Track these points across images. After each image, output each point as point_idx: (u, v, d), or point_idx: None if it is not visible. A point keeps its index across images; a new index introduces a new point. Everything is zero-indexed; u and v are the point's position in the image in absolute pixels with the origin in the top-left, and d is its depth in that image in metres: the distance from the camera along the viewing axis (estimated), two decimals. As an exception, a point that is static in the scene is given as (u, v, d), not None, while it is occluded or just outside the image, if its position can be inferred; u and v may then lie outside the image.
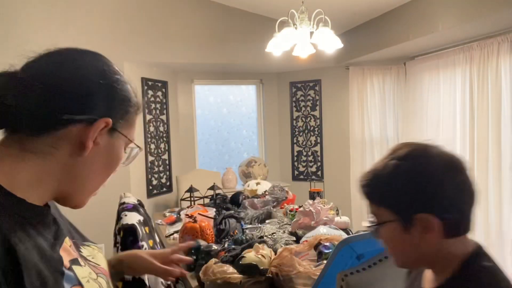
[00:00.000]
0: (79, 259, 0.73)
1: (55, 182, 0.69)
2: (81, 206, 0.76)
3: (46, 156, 0.67)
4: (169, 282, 1.92)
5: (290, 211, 2.70)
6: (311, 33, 2.80)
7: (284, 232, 2.36)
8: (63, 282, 0.64)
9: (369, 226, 0.90)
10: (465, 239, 0.91)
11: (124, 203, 2.06)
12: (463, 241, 0.90)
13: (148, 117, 4.21)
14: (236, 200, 3.13)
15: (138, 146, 0.80)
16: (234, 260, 1.82)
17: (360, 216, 4.72)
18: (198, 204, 3.28)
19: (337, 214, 2.66)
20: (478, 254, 0.88)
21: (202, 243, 2.10)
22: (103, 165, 0.75)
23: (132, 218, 1.86)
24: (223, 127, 5.16)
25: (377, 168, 0.87)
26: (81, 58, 0.74)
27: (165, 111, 4.47)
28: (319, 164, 5.01)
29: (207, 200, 3.64)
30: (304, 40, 2.80)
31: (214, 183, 3.75)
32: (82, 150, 0.68)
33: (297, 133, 5.16)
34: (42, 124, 0.66)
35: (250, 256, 1.77)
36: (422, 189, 0.83)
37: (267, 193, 3.10)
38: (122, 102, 0.75)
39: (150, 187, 4.24)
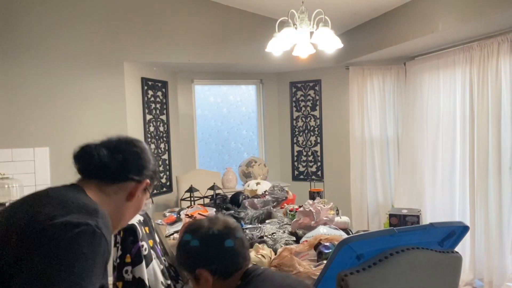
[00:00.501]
0: None
1: (109, 211, 1.04)
2: (114, 232, 1.16)
3: (111, 197, 1.08)
4: (169, 282, 1.92)
5: (290, 211, 2.70)
6: (311, 33, 2.79)
7: (284, 232, 2.36)
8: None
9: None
10: (238, 274, 1.25)
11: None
12: (236, 277, 1.24)
13: (148, 117, 4.21)
14: (236, 200, 3.13)
15: (152, 201, 1.39)
16: (234, 260, 1.81)
17: (360, 216, 4.72)
18: (198, 204, 3.28)
19: (337, 214, 2.66)
20: (250, 269, 1.25)
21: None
22: (134, 208, 1.15)
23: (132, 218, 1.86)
24: (223, 127, 5.16)
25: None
26: (139, 144, 1.18)
27: (165, 111, 4.47)
28: (319, 164, 5.01)
29: (207, 200, 3.64)
30: (304, 40, 2.80)
31: (214, 183, 3.75)
32: (131, 197, 1.11)
33: (297, 133, 5.16)
34: (115, 178, 1.09)
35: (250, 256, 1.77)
36: (196, 256, 1.25)
37: (267, 193, 3.10)
38: (154, 173, 1.18)
39: (150, 187, 4.24)
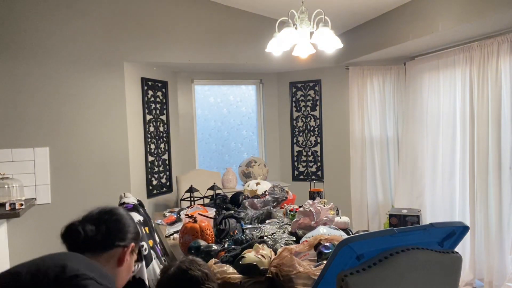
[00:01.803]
0: None
1: None
2: None
3: (105, 267, 1.14)
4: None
5: (290, 211, 2.70)
6: (311, 33, 2.79)
7: (284, 232, 2.36)
8: None
9: None
10: None
11: (124, 203, 2.07)
12: None
13: (148, 117, 4.21)
14: (236, 200, 3.13)
15: (141, 262, 1.43)
16: (234, 260, 1.82)
17: (360, 216, 4.72)
18: (198, 204, 3.28)
19: (337, 214, 2.66)
20: None
21: (202, 243, 2.10)
22: (125, 271, 1.25)
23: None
24: (223, 127, 5.17)
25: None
26: (118, 212, 1.29)
27: (165, 111, 4.47)
28: (319, 164, 5.01)
29: (207, 200, 3.64)
30: (304, 40, 2.80)
31: (214, 183, 3.75)
32: (121, 262, 1.22)
33: (297, 133, 5.16)
34: (103, 247, 1.19)
35: (250, 256, 1.77)
36: None
37: (267, 193, 3.10)
38: (137, 236, 1.30)
39: (150, 187, 4.25)
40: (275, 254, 1.84)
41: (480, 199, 3.44)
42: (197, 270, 1.42)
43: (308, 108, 5.04)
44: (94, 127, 3.73)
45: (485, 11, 2.86)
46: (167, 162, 4.52)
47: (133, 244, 1.25)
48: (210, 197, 3.60)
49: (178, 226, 2.70)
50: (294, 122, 5.16)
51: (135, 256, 1.28)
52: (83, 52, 3.72)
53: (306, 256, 1.92)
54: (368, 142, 4.67)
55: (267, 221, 2.66)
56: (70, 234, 1.18)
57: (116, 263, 1.20)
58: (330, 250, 1.81)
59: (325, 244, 1.88)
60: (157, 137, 4.35)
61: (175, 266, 1.45)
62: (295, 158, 5.18)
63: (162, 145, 4.44)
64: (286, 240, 2.16)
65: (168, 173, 4.53)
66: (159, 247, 2.08)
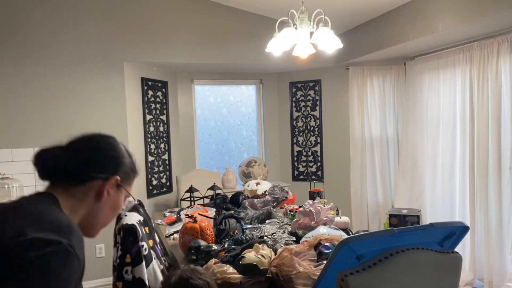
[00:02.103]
0: None
1: (81, 216, 1.04)
2: (92, 237, 1.10)
3: (80, 199, 1.03)
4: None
5: (290, 211, 2.70)
6: (311, 33, 2.79)
7: (284, 232, 2.36)
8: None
9: None
10: None
11: (124, 203, 2.06)
12: None
13: (148, 117, 4.21)
14: (236, 200, 3.13)
15: (134, 199, 1.19)
16: (234, 260, 1.82)
17: (360, 216, 4.72)
18: (198, 204, 3.28)
19: (337, 214, 2.66)
20: None
21: (202, 243, 2.10)
22: (110, 208, 1.09)
23: (132, 218, 1.86)
24: (223, 127, 5.17)
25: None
26: (104, 140, 1.13)
27: (165, 111, 4.47)
28: (319, 164, 5.01)
29: (207, 200, 3.64)
30: (304, 40, 2.80)
31: (214, 183, 3.75)
32: (99, 197, 1.05)
33: (297, 133, 5.16)
34: (78, 178, 1.03)
35: (250, 256, 1.77)
36: None
37: (267, 193, 3.10)
38: (127, 168, 1.13)
39: (150, 187, 4.24)
40: (275, 254, 1.84)
41: (480, 199, 3.44)
42: (199, 279, 1.42)
43: (308, 108, 5.04)
44: (94, 127, 3.73)
45: (485, 11, 2.86)
46: (167, 162, 4.52)
47: (117, 177, 1.06)
48: (210, 197, 3.60)
49: (178, 226, 2.70)
50: (294, 122, 5.16)
51: (123, 192, 1.11)
52: (83, 52, 3.72)
53: (306, 256, 1.92)
54: (368, 142, 4.67)
55: (267, 221, 2.66)
56: (38, 161, 1.03)
57: (94, 197, 1.04)
58: (330, 250, 1.81)
59: (325, 244, 1.88)
60: (157, 137, 4.35)
61: (177, 275, 1.45)
62: (295, 158, 5.18)
63: (162, 145, 4.44)
64: (286, 240, 2.16)
65: (168, 173, 4.53)
66: (159, 247, 2.08)
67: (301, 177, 5.13)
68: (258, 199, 2.98)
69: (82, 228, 1.01)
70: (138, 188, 4.00)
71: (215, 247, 2.03)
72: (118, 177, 1.07)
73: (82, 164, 1.04)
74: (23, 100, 3.56)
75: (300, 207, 2.58)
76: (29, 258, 0.80)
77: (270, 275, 1.71)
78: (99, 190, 1.04)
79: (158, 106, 4.37)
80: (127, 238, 1.76)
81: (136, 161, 1.20)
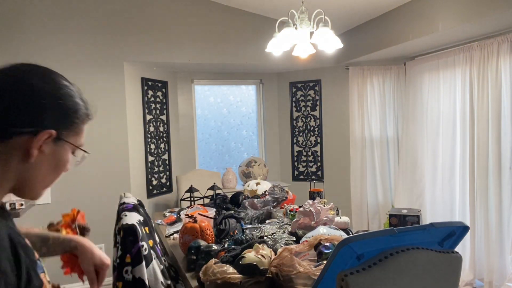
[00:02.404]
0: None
1: (12, 182, 0.82)
2: (36, 199, 0.90)
3: (6, 160, 0.80)
4: (169, 282, 1.92)
5: (290, 211, 2.70)
6: (311, 33, 2.79)
7: (284, 232, 2.36)
8: (37, 270, 0.80)
9: None
10: None
11: (124, 203, 2.07)
12: None
13: (148, 117, 4.21)
14: (236, 200, 3.13)
15: (84, 151, 0.94)
16: (234, 260, 1.82)
17: (360, 216, 4.72)
18: (198, 204, 3.28)
19: (337, 214, 2.66)
20: None
21: (202, 243, 2.10)
22: (50, 167, 0.86)
23: (132, 218, 1.86)
24: (223, 127, 5.17)
25: None
26: (29, 77, 0.87)
27: (165, 111, 4.47)
28: (319, 164, 5.01)
29: (207, 200, 3.64)
30: (304, 40, 2.80)
31: (214, 183, 3.75)
32: (28, 157, 0.81)
33: (297, 133, 5.16)
34: None
35: (250, 256, 1.77)
36: None
37: (267, 193, 3.10)
38: (68, 114, 0.87)
39: (150, 187, 4.24)
40: (275, 254, 1.84)
41: (480, 199, 3.44)
42: None
43: (308, 108, 5.04)
44: (94, 127, 3.72)
45: (485, 11, 2.86)
46: (167, 162, 4.52)
47: (51, 131, 0.81)
48: (210, 197, 3.60)
49: (178, 226, 2.70)
50: (294, 122, 5.16)
51: (67, 146, 0.88)
52: (83, 52, 3.72)
53: (306, 256, 1.91)
54: (368, 142, 4.67)
55: (267, 221, 2.66)
56: None
57: (21, 156, 0.80)
58: (330, 250, 1.81)
59: (325, 244, 1.88)
60: (157, 137, 4.35)
61: None
62: (295, 158, 5.18)
63: (162, 145, 4.44)
64: (286, 240, 2.16)
65: (168, 173, 4.53)
66: (159, 247, 2.08)
67: (301, 177, 5.13)
68: (258, 199, 2.98)
69: (18, 191, 0.84)
70: (138, 188, 4.00)
71: (215, 247, 2.03)
72: (53, 131, 0.82)
73: (1, 114, 0.79)
74: (23, 100, 3.56)
75: (300, 207, 2.58)
76: None
77: (270, 275, 1.71)
78: (25, 149, 0.80)
79: (158, 106, 4.37)
80: (127, 238, 1.76)
81: (87, 101, 0.95)
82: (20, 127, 0.79)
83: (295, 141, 5.18)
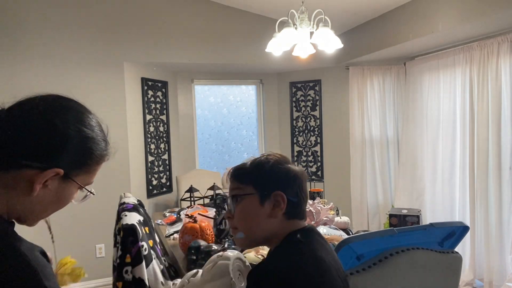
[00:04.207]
0: None
1: (17, 211, 0.83)
2: (32, 226, 0.90)
3: (9, 189, 0.80)
4: (169, 282, 1.92)
5: (290, 211, 2.70)
6: (311, 33, 2.79)
7: (284, 232, 2.36)
8: None
9: (233, 196, 1.15)
10: (301, 222, 1.14)
11: (124, 203, 2.06)
12: (298, 223, 1.13)
13: (148, 117, 4.21)
14: (236, 200, 3.12)
15: (91, 193, 0.92)
16: (234, 260, 1.81)
17: (360, 216, 4.72)
18: (198, 204, 3.28)
19: (337, 214, 2.66)
20: (300, 230, 1.11)
21: (202, 243, 2.10)
22: (52, 202, 0.86)
23: (132, 218, 1.86)
24: (223, 127, 5.17)
25: (248, 160, 1.23)
26: (54, 116, 0.82)
27: (165, 111, 4.47)
28: (319, 164, 5.01)
29: (207, 200, 3.64)
30: (304, 40, 2.80)
31: (214, 183, 3.75)
32: (31, 190, 0.80)
33: (297, 133, 5.16)
34: (4, 164, 0.79)
35: (250, 256, 1.77)
36: (278, 175, 1.13)
37: (267, 193, 3.09)
38: (82, 155, 0.86)
39: (150, 187, 4.24)
40: (275, 254, 1.84)
41: (480, 199, 3.44)
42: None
43: (308, 108, 5.04)
44: (94, 127, 3.72)
45: (485, 11, 2.86)
46: (167, 162, 4.52)
47: (58, 170, 0.80)
48: (210, 197, 3.60)
49: (178, 226, 2.69)
50: (294, 122, 5.16)
51: (74, 185, 0.86)
52: (83, 52, 3.72)
53: (306, 256, 1.91)
54: (368, 142, 4.67)
55: (267, 221, 2.66)
56: None
57: (26, 188, 0.80)
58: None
59: (325, 244, 1.88)
60: (157, 137, 4.35)
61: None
62: (295, 158, 5.18)
63: (162, 145, 4.44)
64: (286, 240, 2.15)
65: (168, 173, 4.53)
66: (159, 247, 2.08)
67: (301, 177, 5.12)
68: (258, 199, 2.98)
69: (18, 220, 0.85)
70: (138, 188, 4.00)
71: (215, 247, 2.03)
72: (60, 170, 0.81)
73: (10, 144, 0.78)
74: (23, 100, 3.56)
75: (300, 207, 2.57)
76: None
77: (270, 275, 1.71)
78: (30, 182, 0.79)
79: (158, 106, 4.37)
80: (127, 238, 1.76)
81: (109, 141, 0.96)
82: (32, 161, 0.79)
83: (295, 141, 5.18)
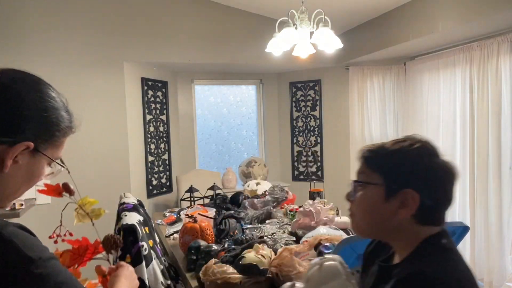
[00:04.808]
0: None
1: None
2: (4, 208, 0.88)
3: None
4: (169, 282, 1.92)
5: (290, 211, 2.70)
6: (311, 33, 2.79)
7: (284, 232, 2.36)
8: None
9: (355, 181, 0.99)
10: (435, 228, 0.95)
11: (124, 203, 2.07)
12: (432, 228, 0.95)
13: (148, 117, 4.21)
14: (236, 200, 3.13)
15: (61, 165, 0.92)
16: (234, 260, 1.82)
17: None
18: (198, 204, 3.28)
19: (337, 214, 2.65)
20: (440, 234, 0.94)
21: (202, 243, 2.10)
22: (23, 178, 0.84)
23: (132, 218, 1.86)
24: (223, 127, 5.17)
25: (386, 142, 0.98)
26: (16, 85, 0.81)
27: (165, 111, 4.47)
28: (319, 164, 5.01)
29: (207, 200, 3.64)
30: (304, 40, 2.80)
31: (214, 183, 3.75)
32: (1, 167, 0.79)
33: (297, 133, 5.16)
34: None
35: (250, 256, 1.77)
36: (417, 170, 0.92)
37: (267, 193, 3.10)
38: (50, 127, 0.85)
39: (150, 187, 4.24)
40: (275, 254, 1.84)
41: (480, 199, 3.44)
42: None
43: (308, 108, 5.04)
44: (94, 127, 3.73)
45: (485, 11, 2.86)
46: (167, 162, 4.52)
47: (28, 143, 0.80)
48: (210, 197, 3.59)
49: (178, 226, 2.69)
50: (294, 122, 5.16)
51: (44, 159, 0.86)
52: (83, 52, 3.72)
53: (306, 256, 1.91)
54: (368, 142, 4.66)
55: (267, 221, 2.66)
56: None
57: None
58: (330, 250, 1.81)
59: (325, 244, 1.88)
60: (157, 137, 4.35)
61: None
62: (295, 158, 5.18)
63: (162, 145, 4.44)
64: (286, 240, 2.15)
65: (168, 173, 4.53)
66: (159, 247, 2.08)
67: (301, 177, 5.13)
68: (258, 199, 2.98)
69: None
70: (138, 188, 4.00)
71: (215, 247, 2.03)
72: (30, 143, 0.80)
73: None
74: (23, 100, 3.56)
75: (300, 207, 2.58)
76: None
77: (270, 275, 1.71)
78: (1, 158, 0.79)
79: (158, 106, 4.37)
80: (127, 238, 1.76)
81: (72, 113, 0.92)
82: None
83: (295, 141, 5.18)
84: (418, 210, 0.90)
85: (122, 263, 1.17)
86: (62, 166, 0.91)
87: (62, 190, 1.14)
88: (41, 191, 1.12)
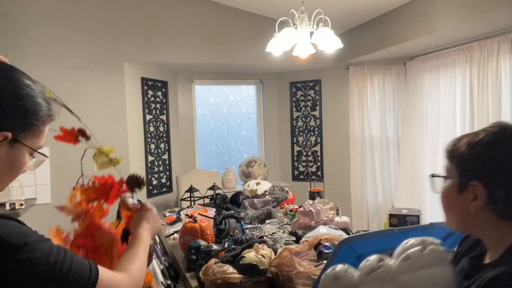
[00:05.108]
0: None
1: None
2: None
3: None
4: (169, 282, 1.92)
5: (290, 211, 2.70)
6: (311, 33, 2.79)
7: (284, 232, 2.36)
8: None
9: (432, 175, 0.98)
10: None
11: (124, 203, 2.06)
12: None
13: (148, 117, 4.21)
14: (236, 200, 3.13)
15: (43, 155, 0.89)
16: (234, 260, 1.81)
17: (360, 216, 4.72)
18: (198, 204, 3.28)
19: (337, 214, 2.65)
20: None
21: (202, 243, 2.10)
22: (5, 170, 0.83)
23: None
24: (223, 127, 5.17)
25: (469, 134, 0.93)
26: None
27: (165, 111, 4.47)
28: (319, 164, 5.01)
29: (207, 200, 3.64)
30: (304, 40, 2.80)
31: (214, 183, 3.75)
32: None
33: (297, 133, 5.16)
34: None
35: (250, 256, 1.77)
36: (489, 161, 0.87)
37: (267, 193, 3.10)
38: (27, 116, 0.82)
39: (150, 187, 4.24)
40: (275, 254, 1.84)
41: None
42: None
43: (308, 108, 5.04)
44: (94, 127, 3.71)
45: (485, 11, 2.85)
46: (167, 162, 4.52)
47: (6, 133, 0.78)
48: (210, 197, 3.60)
49: (178, 226, 2.69)
50: (294, 122, 5.16)
51: (25, 149, 0.84)
52: (83, 52, 3.72)
53: (306, 256, 1.91)
54: (368, 142, 4.67)
55: (267, 221, 2.66)
56: None
57: None
58: (330, 250, 1.81)
59: (325, 244, 1.88)
60: (157, 137, 4.35)
61: None
62: (295, 158, 5.18)
63: (162, 145, 4.44)
64: (286, 240, 2.15)
65: (168, 173, 4.53)
66: (159, 247, 2.08)
67: (301, 177, 5.13)
68: (258, 199, 2.98)
69: None
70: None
71: (215, 247, 2.03)
72: (8, 133, 0.78)
73: None
74: (23, 100, 3.56)
75: (300, 207, 2.58)
76: None
77: (270, 275, 1.71)
78: None
79: (158, 106, 4.37)
80: (127, 238, 1.76)
81: (51, 101, 0.92)
82: None
83: (295, 141, 5.18)
84: (492, 204, 0.86)
85: (147, 204, 1.17)
86: (43, 155, 0.88)
87: (78, 134, 1.13)
88: (57, 137, 1.10)
